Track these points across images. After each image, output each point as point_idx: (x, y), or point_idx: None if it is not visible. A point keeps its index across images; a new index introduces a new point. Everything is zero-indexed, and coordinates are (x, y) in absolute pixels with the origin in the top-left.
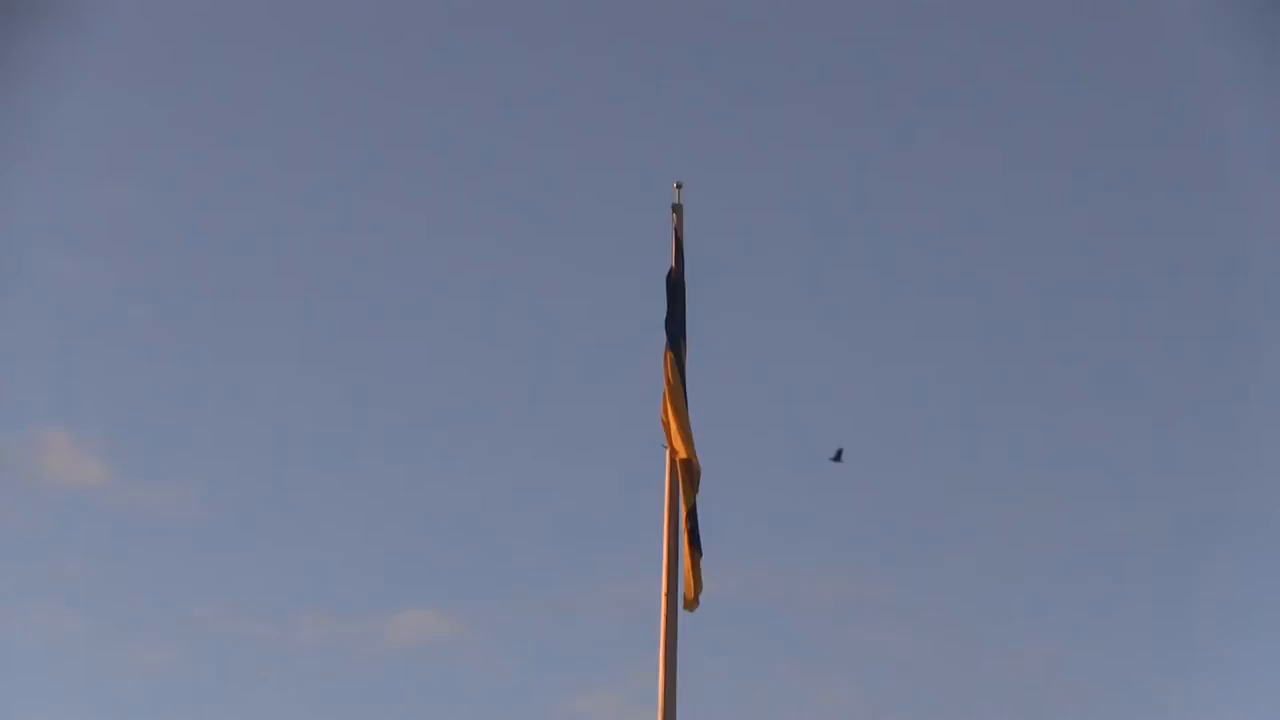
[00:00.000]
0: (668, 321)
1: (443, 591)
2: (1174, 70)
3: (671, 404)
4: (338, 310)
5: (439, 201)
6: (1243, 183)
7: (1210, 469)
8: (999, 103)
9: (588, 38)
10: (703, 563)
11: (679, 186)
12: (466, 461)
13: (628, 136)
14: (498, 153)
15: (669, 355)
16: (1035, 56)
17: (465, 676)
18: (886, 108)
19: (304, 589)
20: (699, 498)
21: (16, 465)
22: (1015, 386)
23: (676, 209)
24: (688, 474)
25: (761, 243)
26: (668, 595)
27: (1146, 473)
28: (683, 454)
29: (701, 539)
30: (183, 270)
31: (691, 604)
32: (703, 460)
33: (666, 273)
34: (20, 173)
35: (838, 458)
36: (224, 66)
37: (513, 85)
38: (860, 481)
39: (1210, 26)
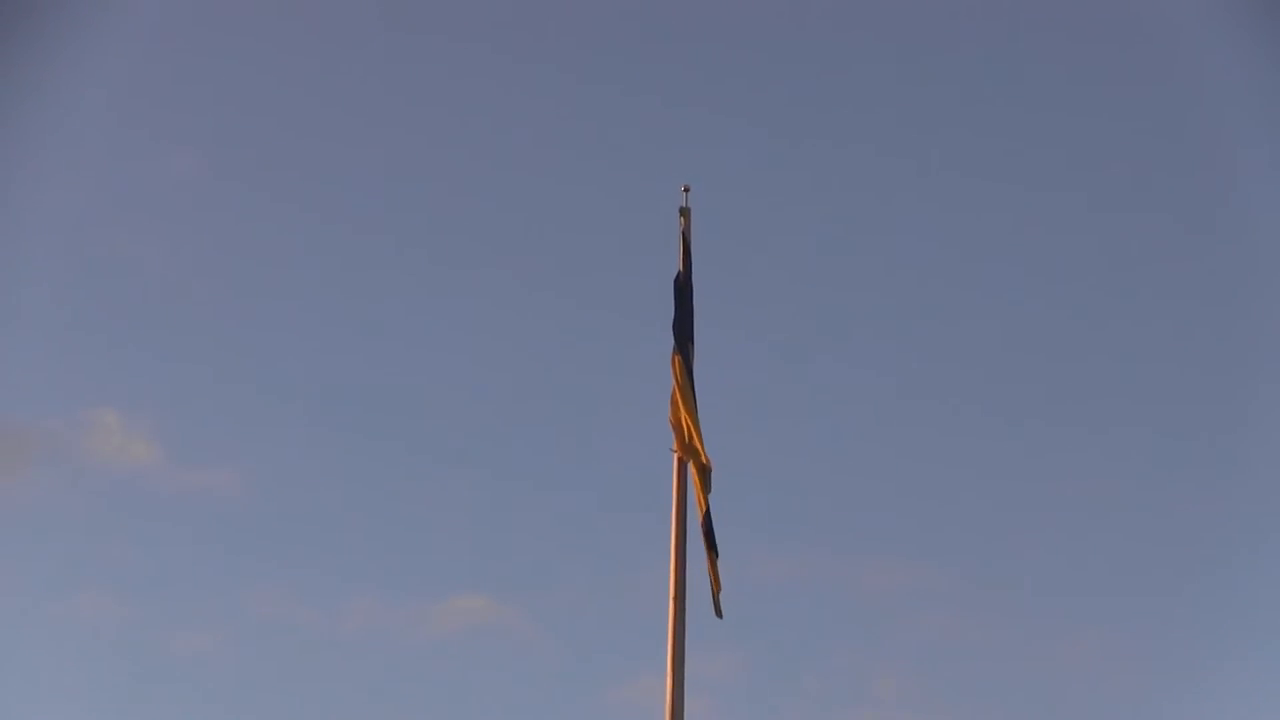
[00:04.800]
0: (675, 325)
1: (492, 578)
2: (1183, 81)
3: (684, 407)
4: (387, 297)
5: (447, 204)
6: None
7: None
8: (1010, 111)
9: (597, 40)
10: (758, 548)
11: (687, 190)
12: (515, 448)
13: (636, 140)
14: (503, 154)
15: (677, 358)
16: (1049, 65)
17: (514, 663)
18: (897, 114)
19: (353, 575)
20: (711, 499)
21: (65, 446)
22: (1068, 375)
23: (684, 212)
24: (702, 478)
25: (770, 246)
26: (675, 599)
27: (1209, 459)
28: (703, 458)
29: (717, 540)
30: (236, 247)
31: (718, 607)
32: (738, 455)
33: (674, 276)
34: (70, 148)
35: None
36: (293, 29)
37: (521, 88)
38: (915, 471)
39: (1220, 34)
